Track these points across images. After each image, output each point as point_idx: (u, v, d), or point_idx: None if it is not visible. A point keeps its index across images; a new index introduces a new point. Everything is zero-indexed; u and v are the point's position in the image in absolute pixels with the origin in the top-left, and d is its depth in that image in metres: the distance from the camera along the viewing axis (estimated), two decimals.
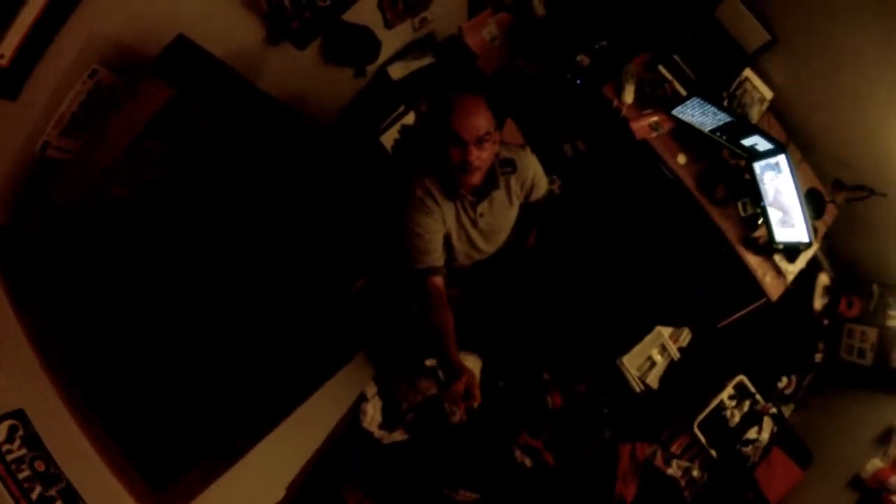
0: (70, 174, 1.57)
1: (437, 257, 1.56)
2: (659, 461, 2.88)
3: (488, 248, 1.79)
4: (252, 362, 1.93)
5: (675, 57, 2.70)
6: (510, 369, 2.66)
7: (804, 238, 2.47)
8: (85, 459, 1.39)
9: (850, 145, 2.67)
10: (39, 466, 1.28)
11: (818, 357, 3.24)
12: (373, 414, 2.33)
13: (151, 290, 1.73)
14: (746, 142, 2.54)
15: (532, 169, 1.73)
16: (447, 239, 1.62)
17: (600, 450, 2.80)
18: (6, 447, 1.23)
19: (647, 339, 2.85)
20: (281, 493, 1.93)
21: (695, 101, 2.46)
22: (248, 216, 2.03)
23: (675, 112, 2.57)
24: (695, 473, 2.90)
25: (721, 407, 2.90)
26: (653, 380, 2.84)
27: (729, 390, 2.93)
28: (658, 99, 2.64)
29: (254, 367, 1.93)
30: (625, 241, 2.73)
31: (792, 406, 3.21)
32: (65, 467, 1.32)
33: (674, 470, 2.87)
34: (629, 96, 2.59)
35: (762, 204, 2.59)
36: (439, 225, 1.56)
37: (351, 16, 2.21)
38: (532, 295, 2.51)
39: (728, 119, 2.47)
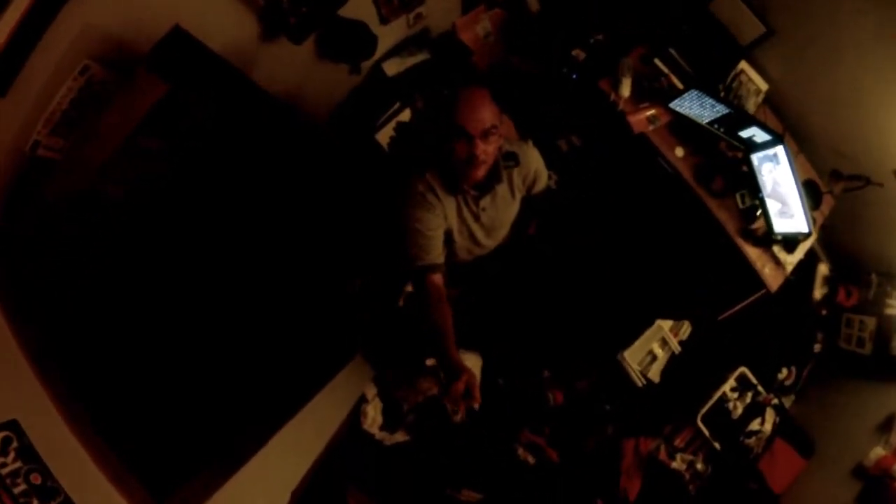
0: (62, 173, 1.52)
1: (438, 254, 1.54)
2: (663, 455, 2.87)
3: (489, 242, 1.77)
4: (251, 366, 1.89)
5: (671, 50, 2.71)
6: (510, 367, 2.64)
7: (803, 228, 2.47)
8: (83, 471, 1.35)
9: (847, 136, 2.69)
10: (36, 479, 1.24)
11: (817, 347, 3.25)
12: (374, 416, 2.30)
13: (148, 292, 1.69)
14: (744, 133, 2.54)
15: (534, 163, 1.72)
16: (448, 234, 1.60)
17: (603, 446, 2.79)
18: (0, 460, 1.18)
19: (648, 333, 2.85)
20: (286, 499, 1.89)
21: (692, 94, 2.46)
22: (245, 215, 2.00)
23: (672, 105, 2.57)
24: (699, 466, 2.89)
25: (723, 399, 2.90)
26: (654, 374, 2.84)
27: (731, 382, 2.92)
28: (655, 92, 2.64)
29: (253, 372, 1.90)
30: (623, 235, 2.73)
31: (793, 397, 3.22)
32: (62, 480, 1.27)
33: (678, 464, 2.87)
34: (626, 90, 2.58)
35: (760, 195, 2.59)
36: (441, 221, 1.54)
37: (347, 11, 2.18)
38: (531, 292, 2.50)
39: (726, 111, 2.47)
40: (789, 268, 2.73)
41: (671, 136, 2.64)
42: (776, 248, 2.69)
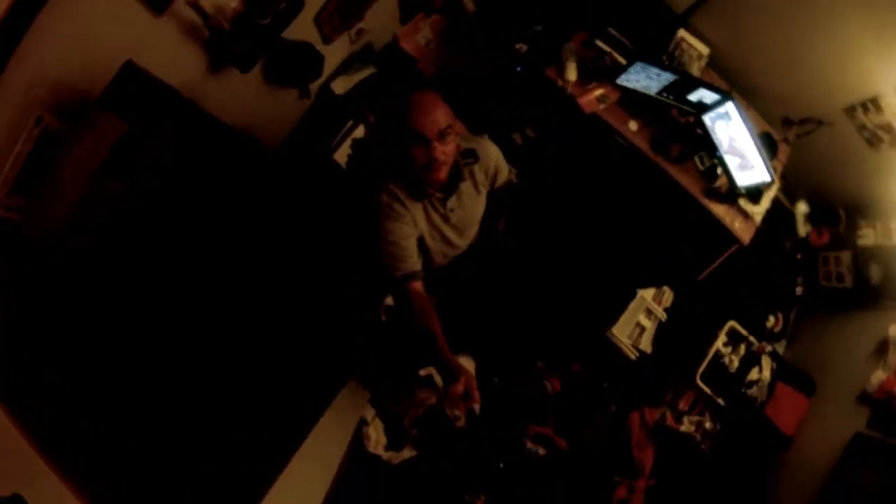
0: (27, 234, 1.49)
1: (415, 262, 1.54)
2: (670, 421, 2.90)
3: (462, 242, 1.78)
4: (241, 410, 1.86)
5: (611, 30, 2.75)
6: (503, 364, 2.65)
7: (765, 177, 2.54)
8: None
9: (790, 83, 2.76)
10: None
11: (799, 290, 3.31)
12: (376, 437, 2.27)
13: (130, 343, 1.67)
14: (693, 97, 2.60)
15: (493, 155, 1.72)
16: (421, 241, 1.60)
17: (610, 424, 2.82)
18: None
19: (632, 306, 2.89)
20: None
21: (637, 67, 2.51)
22: (215, 250, 1.98)
23: (619, 81, 2.61)
24: (707, 425, 2.93)
25: (718, 356, 2.93)
26: (645, 344, 2.88)
27: (722, 338, 2.96)
28: (600, 72, 2.69)
29: (243, 417, 1.86)
30: (592, 214, 2.76)
31: (784, 342, 3.28)
32: None
33: (686, 426, 2.90)
34: (572, 74, 2.63)
35: (718, 154, 2.65)
36: (411, 229, 1.54)
37: (290, 34, 2.17)
38: (509, 286, 2.51)
39: (672, 78, 2.52)
40: (758, 218, 2.79)
41: (623, 112, 2.69)
42: (742, 202, 2.75)
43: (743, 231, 2.72)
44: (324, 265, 2.37)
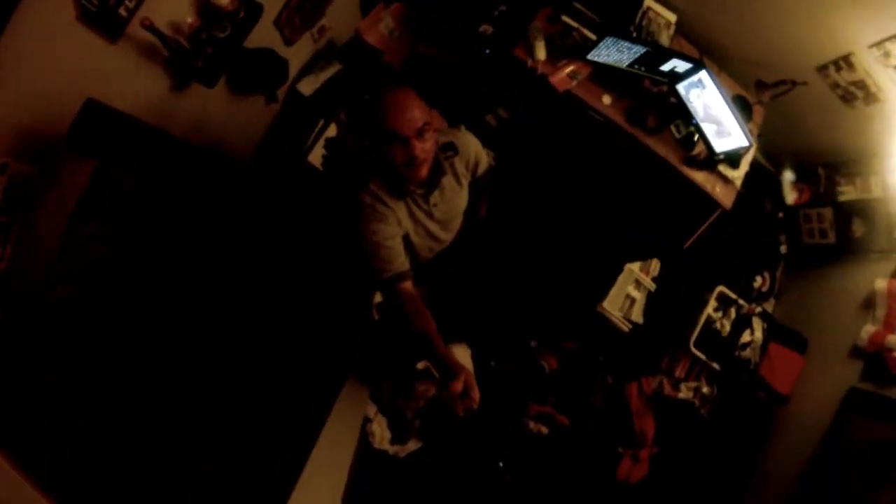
0: (9, 285, 1.47)
1: (402, 262, 1.53)
2: (668, 389, 2.95)
3: (447, 236, 1.77)
4: (244, 420, 1.86)
5: (575, 4, 2.71)
6: (497, 348, 2.66)
7: (743, 142, 2.54)
8: None
9: (760, 45, 2.73)
10: None
11: (783, 249, 3.35)
12: (381, 432, 2.29)
13: (132, 359, 1.65)
14: (665, 67, 2.58)
15: (472, 146, 1.71)
16: (406, 238, 1.59)
17: (609, 397, 2.85)
18: None
19: (620, 279, 2.90)
20: None
21: (607, 41, 2.48)
22: (201, 272, 1.96)
23: (590, 56, 2.59)
24: (705, 390, 2.98)
25: (709, 321, 2.97)
26: (637, 315, 2.91)
27: (712, 303, 2.99)
28: (570, 49, 2.65)
29: (248, 427, 1.86)
30: (573, 192, 2.75)
31: (773, 301, 3.32)
32: None
33: (684, 393, 2.95)
34: (541, 53, 2.59)
35: (694, 122, 2.65)
36: (396, 228, 1.53)
37: (251, 41, 2.14)
38: (496, 270, 2.51)
39: (642, 50, 2.50)
40: (738, 182, 2.81)
41: (596, 87, 2.67)
42: (721, 167, 2.76)
43: (724, 196, 2.73)
44: (311, 267, 2.35)
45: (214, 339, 1.94)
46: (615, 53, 2.55)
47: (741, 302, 3.05)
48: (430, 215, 1.62)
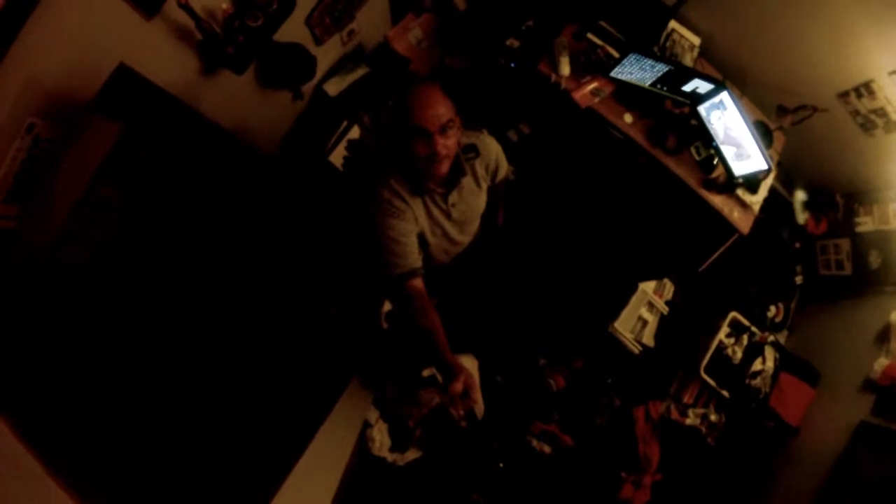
0: (22, 243, 1.46)
1: (415, 259, 1.51)
2: (675, 415, 2.89)
3: (464, 238, 1.76)
4: (244, 415, 1.83)
5: (602, 23, 2.75)
6: (505, 362, 2.63)
7: (762, 166, 2.52)
8: None
9: (782, 70, 2.75)
10: None
11: (799, 279, 3.31)
12: (381, 439, 2.25)
13: (135, 352, 1.64)
14: (687, 87, 2.60)
15: (494, 150, 1.71)
16: (421, 237, 1.58)
17: (615, 419, 2.80)
18: None
19: (633, 299, 2.87)
20: None
21: (630, 59, 2.50)
22: (212, 258, 1.96)
23: (613, 74, 2.60)
24: (712, 418, 2.92)
25: (721, 347, 2.92)
26: (648, 338, 2.87)
27: (725, 329, 2.95)
28: (594, 65, 2.68)
29: (247, 422, 1.83)
30: (591, 209, 2.75)
31: (786, 332, 3.27)
32: None
33: (691, 419, 2.89)
34: (565, 68, 2.62)
35: (714, 144, 2.65)
36: (412, 225, 1.52)
37: (281, 36, 2.17)
38: (509, 283, 2.49)
39: (666, 69, 2.52)
40: (756, 207, 2.78)
41: (618, 105, 2.68)
42: (740, 192, 2.74)
43: (742, 221, 2.71)
44: (323, 267, 2.35)
45: (217, 332, 1.93)
46: (638, 71, 2.57)
47: (754, 330, 3.01)
48: (447, 215, 1.61)
